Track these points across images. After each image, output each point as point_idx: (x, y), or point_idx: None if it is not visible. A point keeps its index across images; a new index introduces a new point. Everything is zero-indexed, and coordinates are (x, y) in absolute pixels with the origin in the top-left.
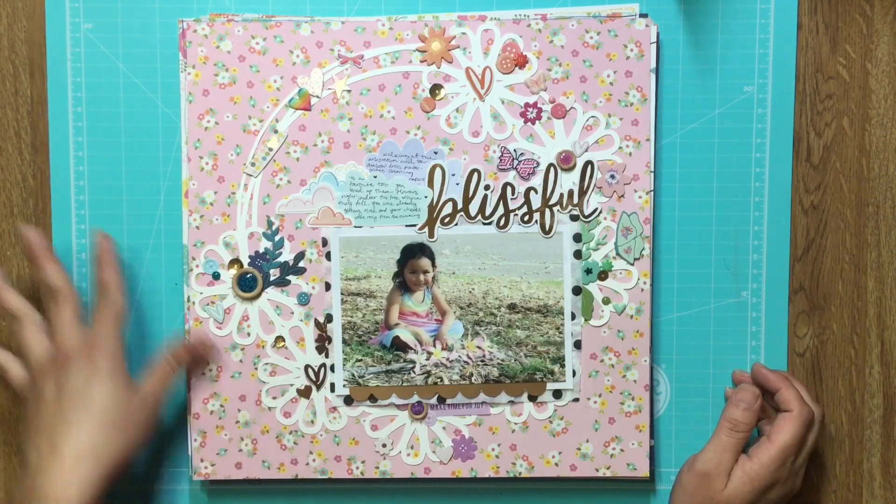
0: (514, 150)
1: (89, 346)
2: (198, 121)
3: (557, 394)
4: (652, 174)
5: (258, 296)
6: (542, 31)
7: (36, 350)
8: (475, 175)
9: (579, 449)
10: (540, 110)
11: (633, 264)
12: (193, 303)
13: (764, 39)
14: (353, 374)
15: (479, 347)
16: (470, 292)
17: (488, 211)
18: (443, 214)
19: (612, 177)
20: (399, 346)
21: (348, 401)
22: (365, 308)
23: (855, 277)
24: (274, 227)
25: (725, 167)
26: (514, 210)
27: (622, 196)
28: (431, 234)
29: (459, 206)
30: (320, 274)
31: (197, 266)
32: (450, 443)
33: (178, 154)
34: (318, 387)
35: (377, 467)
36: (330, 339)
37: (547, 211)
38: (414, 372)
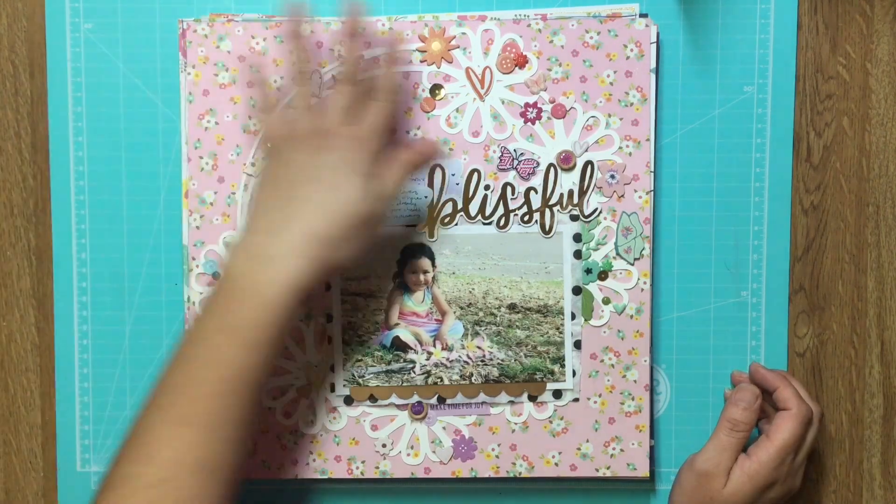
0: (514, 150)
1: (355, 137)
2: (198, 121)
3: (557, 394)
4: (652, 174)
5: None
6: (542, 31)
7: (307, 113)
8: (475, 175)
9: (579, 449)
10: (540, 110)
11: (633, 264)
12: (193, 303)
13: (764, 39)
14: (353, 374)
15: (479, 347)
16: (470, 292)
17: (488, 211)
18: (443, 214)
19: (612, 177)
20: (399, 346)
21: (348, 401)
22: (365, 308)
23: (855, 277)
24: None
25: (725, 167)
26: (514, 210)
27: (622, 196)
28: (431, 234)
29: (459, 206)
30: None
31: (197, 266)
32: (450, 443)
33: (178, 154)
34: (318, 387)
35: (377, 467)
36: (330, 339)
37: (547, 211)
38: (414, 372)
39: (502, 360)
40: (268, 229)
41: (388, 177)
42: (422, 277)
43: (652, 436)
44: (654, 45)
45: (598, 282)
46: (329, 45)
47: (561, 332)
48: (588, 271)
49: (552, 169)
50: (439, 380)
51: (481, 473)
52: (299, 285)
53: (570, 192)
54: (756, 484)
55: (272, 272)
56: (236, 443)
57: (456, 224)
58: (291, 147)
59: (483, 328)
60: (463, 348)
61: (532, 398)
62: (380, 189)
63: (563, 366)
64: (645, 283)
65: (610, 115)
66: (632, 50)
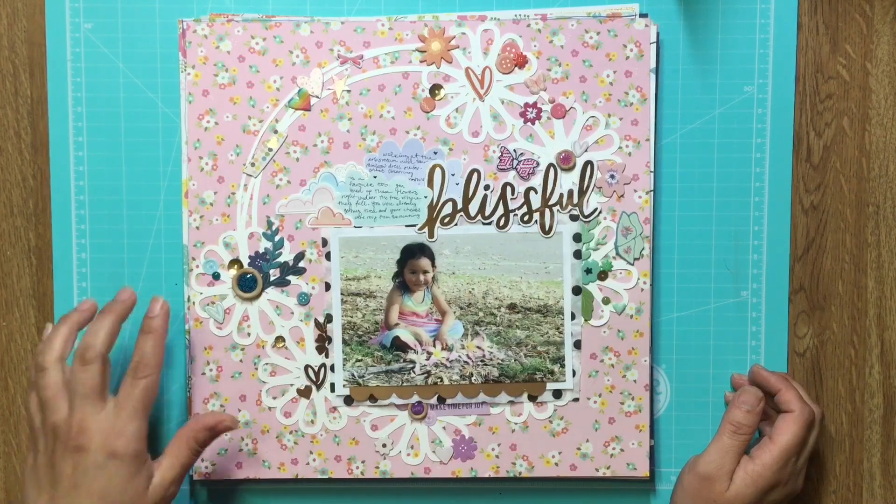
0: (514, 150)
1: (121, 435)
2: (198, 121)
3: (557, 394)
4: (652, 174)
5: (258, 296)
6: (542, 31)
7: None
8: (475, 175)
9: (579, 449)
10: (540, 110)
11: (632, 264)
12: (193, 303)
13: (764, 39)
14: (353, 374)
15: (479, 347)
16: (470, 292)
17: (488, 211)
18: (443, 214)
19: (612, 177)
20: (399, 346)
21: (348, 401)
22: (365, 308)
23: (855, 277)
24: (274, 228)
25: (725, 167)
26: (513, 210)
27: (622, 196)
28: (431, 234)
29: (459, 206)
30: (320, 274)
31: (197, 266)
32: (450, 443)
33: (178, 154)
34: (318, 387)
35: (377, 467)
36: (330, 339)
37: (547, 211)
38: (414, 372)
39: (502, 360)
40: None
41: (168, 464)
42: (422, 277)
43: (652, 436)
44: (654, 45)
45: (598, 282)
46: (329, 45)
47: (561, 332)
48: (588, 271)
49: (552, 169)
50: (439, 380)
51: (481, 473)
52: None
53: (570, 192)
54: (759, 486)
55: None
56: None
57: (456, 224)
58: (53, 441)
59: (483, 328)
60: (463, 348)
61: (532, 398)
62: (160, 480)
63: (563, 366)
64: (645, 283)
65: (610, 115)
66: (632, 50)
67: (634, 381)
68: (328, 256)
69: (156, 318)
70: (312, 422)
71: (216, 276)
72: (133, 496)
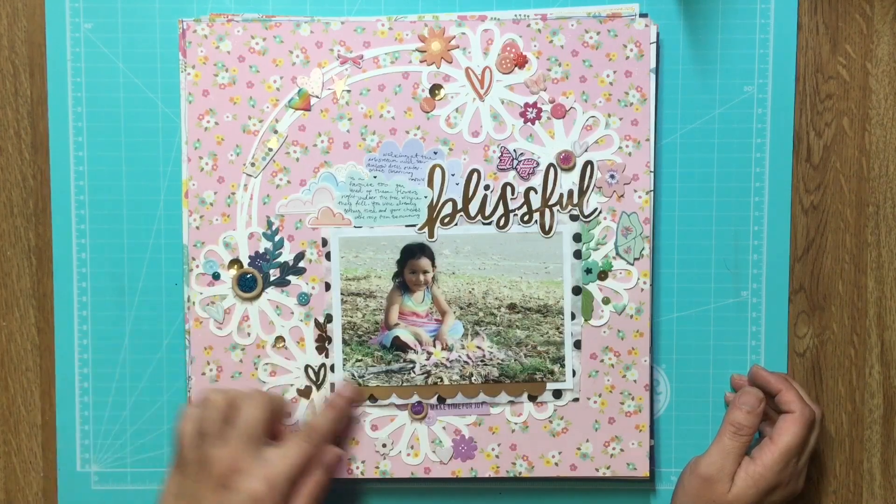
0: (514, 150)
1: (266, 480)
2: (198, 121)
3: (557, 394)
4: (652, 174)
5: (258, 296)
6: (542, 31)
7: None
8: (475, 175)
9: (579, 449)
10: (540, 110)
11: (632, 264)
12: (193, 303)
13: (764, 39)
14: (353, 374)
15: (479, 347)
16: (470, 292)
17: (488, 211)
18: (443, 214)
19: (612, 177)
20: (399, 346)
21: None
22: (365, 308)
23: (855, 277)
24: (274, 228)
25: (725, 167)
26: (513, 210)
27: (622, 196)
28: (431, 235)
29: (459, 206)
30: (320, 274)
31: (197, 266)
32: (450, 443)
33: (178, 154)
34: (318, 387)
35: (377, 467)
36: (330, 339)
37: (547, 211)
38: (414, 372)
39: (502, 360)
40: None
41: None
42: (422, 277)
43: (652, 436)
44: (654, 45)
45: (598, 282)
46: (329, 45)
47: (561, 332)
48: (588, 271)
49: (552, 169)
50: (439, 380)
51: (481, 473)
52: None
53: (570, 192)
54: (761, 487)
55: None
56: None
57: (456, 224)
58: (203, 471)
59: (483, 328)
60: (463, 348)
61: (532, 398)
62: None
63: (563, 366)
64: (645, 283)
65: (610, 115)
66: (632, 50)
67: (634, 381)
68: (328, 256)
69: (344, 398)
70: None
71: (216, 276)
72: None
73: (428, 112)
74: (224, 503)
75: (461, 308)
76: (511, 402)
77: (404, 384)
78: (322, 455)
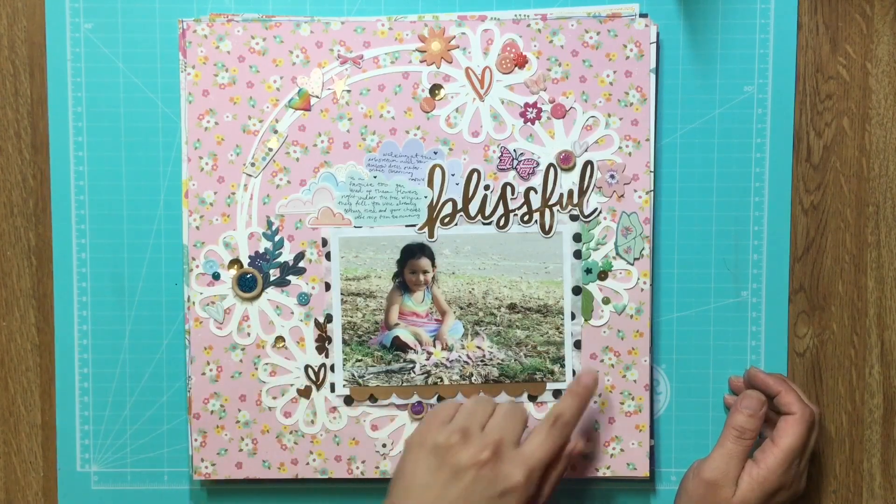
0: (514, 150)
1: (530, 477)
2: (198, 121)
3: (557, 394)
4: (652, 174)
5: (258, 296)
6: (542, 31)
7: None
8: (475, 175)
9: None
10: (540, 110)
11: (632, 264)
12: (193, 303)
13: (764, 39)
14: (353, 374)
15: (479, 347)
16: (470, 292)
17: (488, 211)
18: (443, 214)
19: (612, 177)
20: (399, 346)
21: (348, 401)
22: (365, 308)
23: (855, 277)
24: (274, 228)
25: (725, 167)
26: (513, 210)
27: (622, 196)
28: (431, 234)
29: (459, 206)
30: (320, 274)
31: (197, 266)
32: None
33: (178, 154)
34: (318, 387)
35: (377, 467)
36: (330, 339)
37: (547, 211)
38: (414, 372)
39: (502, 360)
40: None
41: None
42: (422, 277)
43: (652, 436)
44: (654, 45)
45: (598, 282)
46: (329, 45)
47: (561, 332)
48: (588, 271)
49: (552, 169)
50: (439, 380)
51: None
52: None
53: (570, 192)
54: (765, 490)
55: None
56: None
57: (456, 224)
58: (458, 456)
59: (483, 328)
60: (463, 348)
61: (532, 398)
62: None
63: (563, 366)
64: (645, 283)
65: (610, 115)
66: (631, 50)
67: (634, 381)
68: (328, 256)
69: (585, 385)
70: (312, 422)
71: (216, 276)
72: None
73: (428, 112)
74: (484, 484)
75: (461, 308)
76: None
77: (404, 384)
78: (568, 446)
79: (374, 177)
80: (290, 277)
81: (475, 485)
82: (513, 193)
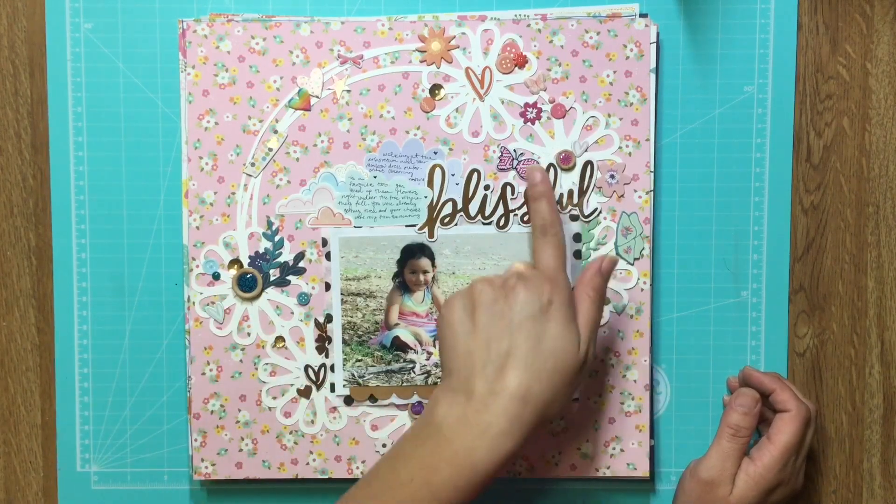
0: (514, 150)
1: (548, 279)
2: (198, 121)
3: None
4: (652, 174)
5: (258, 296)
6: (542, 31)
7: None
8: (475, 175)
9: (579, 449)
10: (540, 110)
11: (633, 264)
12: (193, 303)
13: (764, 39)
14: (353, 374)
15: None
16: None
17: (488, 211)
18: (443, 214)
19: (612, 177)
20: (399, 346)
21: (348, 401)
22: (365, 308)
23: (855, 277)
24: (274, 228)
25: (725, 167)
26: (513, 210)
27: (622, 196)
28: (431, 234)
29: (459, 206)
30: (320, 274)
31: (197, 266)
32: None
33: (178, 154)
34: (318, 387)
35: None
36: (330, 339)
37: None
38: (414, 372)
39: None
40: (484, 394)
41: (581, 317)
42: (422, 277)
43: (652, 436)
44: (654, 45)
45: None
46: (329, 45)
47: None
48: None
49: (552, 169)
50: (439, 380)
51: None
52: (513, 454)
53: (570, 192)
54: (762, 488)
55: (488, 444)
56: None
57: (456, 224)
58: (484, 291)
59: None
60: None
61: None
62: (582, 334)
63: None
64: (645, 283)
65: (610, 115)
66: (631, 50)
67: (634, 381)
68: (328, 256)
69: (539, 184)
70: (312, 422)
71: (216, 276)
72: (566, 344)
73: (428, 112)
74: (521, 303)
75: None
76: None
77: (404, 384)
78: (598, 261)
79: (374, 177)
80: (290, 277)
81: (513, 309)
82: (513, 193)
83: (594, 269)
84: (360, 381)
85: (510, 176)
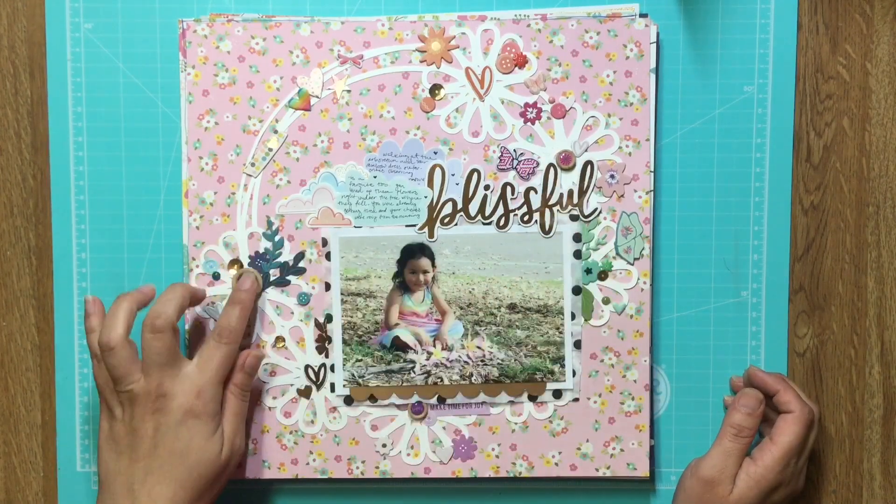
0: (514, 150)
1: (201, 395)
2: (198, 121)
3: (557, 394)
4: (652, 174)
5: (258, 296)
6: (542, 31)
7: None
8: (475, 175)
9: (579, 449)
10: (540, 110)
11: (632, 264)
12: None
13: (764, 39)
14: (353, 374)
15: (479, 347)
16: (470, 292)
17: (488, 211)
18: (443, 214)
19: (612, 177)
20: (399, 346)
21: (348, 401)
22: (365, 308)
23: (855, 277)
24: (274, 228)
25: (725, 167)
26: (513, 210)
27: (622, 196)
28: (431, 235)
29: (459, 206)
30: (320, 274)
31: (197, 266)
32: (450, 443)
33: (178, 154)
34: (318, 387)
35: (377, 467)
36: (330, 339)
37: (547, 211)
38: (414, 372)
39: (502, 360)
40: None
41: (226, 418)
42: (422, 277)
43: (652, 436)
44: (654, 45)
45: (598, 282)
46: (329, 45)
47: (561, 332)
48: (588, 271)
49: (552, 169)
50: (439, 380)
51: (481, 473)
52: None
53: (570, 192)
54: (762, 488)
55: None
56: None
57: (456, 224)
58: (131, 406)
59: (483, 328)
60: (463, 348)
61: (532, 398)
62: (226, 436)
63: (563, 366)
64: (645, 282)
65: (610, 115)
66: (632, 50)
67: (634, 381)
68: (328, 256)
69: (245, 291)
70: (312, 422)
71: (216, 276)
72: (210, 455)
73: (428, 112)
74: (161, 426)
75: (461, 308)
76: (511, 402)
77: (404, 384)
78: (241, 358)
79: (374, 177)
80: (290, 277)
81: (153, 432)
82: (513, 193)
83: (238, 366)
84: (360, 381)
85: (510, 176)
